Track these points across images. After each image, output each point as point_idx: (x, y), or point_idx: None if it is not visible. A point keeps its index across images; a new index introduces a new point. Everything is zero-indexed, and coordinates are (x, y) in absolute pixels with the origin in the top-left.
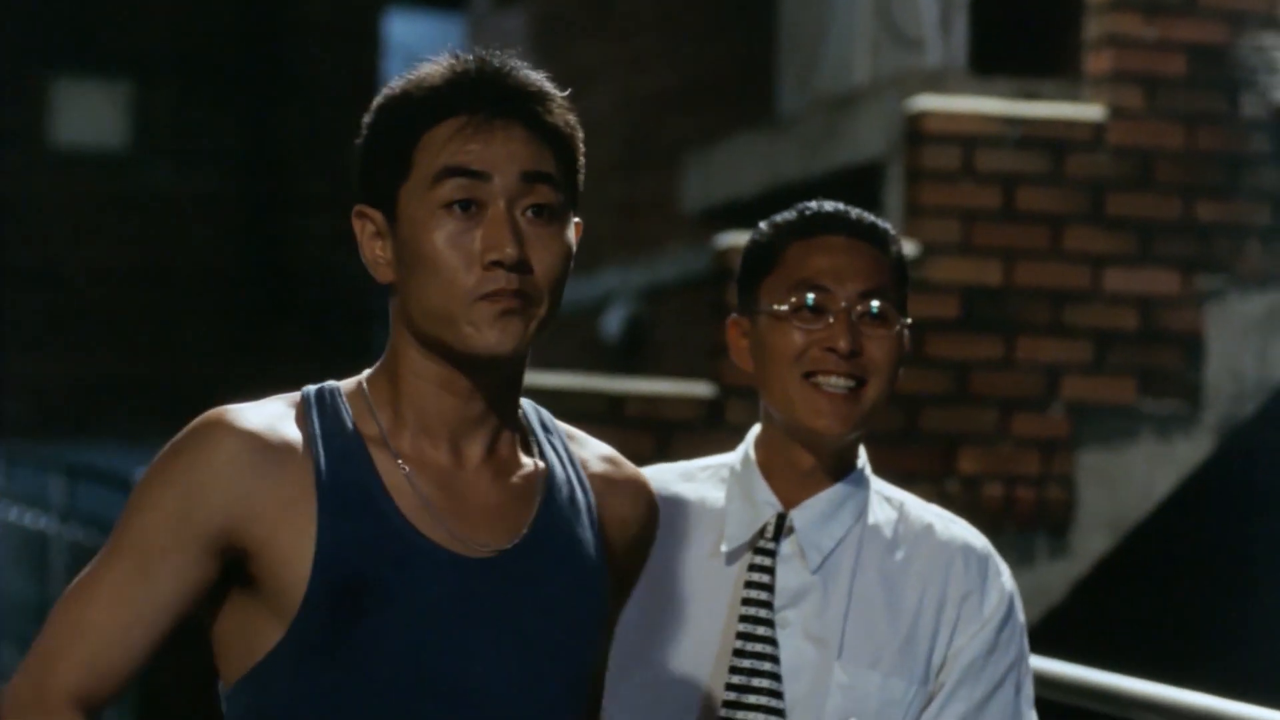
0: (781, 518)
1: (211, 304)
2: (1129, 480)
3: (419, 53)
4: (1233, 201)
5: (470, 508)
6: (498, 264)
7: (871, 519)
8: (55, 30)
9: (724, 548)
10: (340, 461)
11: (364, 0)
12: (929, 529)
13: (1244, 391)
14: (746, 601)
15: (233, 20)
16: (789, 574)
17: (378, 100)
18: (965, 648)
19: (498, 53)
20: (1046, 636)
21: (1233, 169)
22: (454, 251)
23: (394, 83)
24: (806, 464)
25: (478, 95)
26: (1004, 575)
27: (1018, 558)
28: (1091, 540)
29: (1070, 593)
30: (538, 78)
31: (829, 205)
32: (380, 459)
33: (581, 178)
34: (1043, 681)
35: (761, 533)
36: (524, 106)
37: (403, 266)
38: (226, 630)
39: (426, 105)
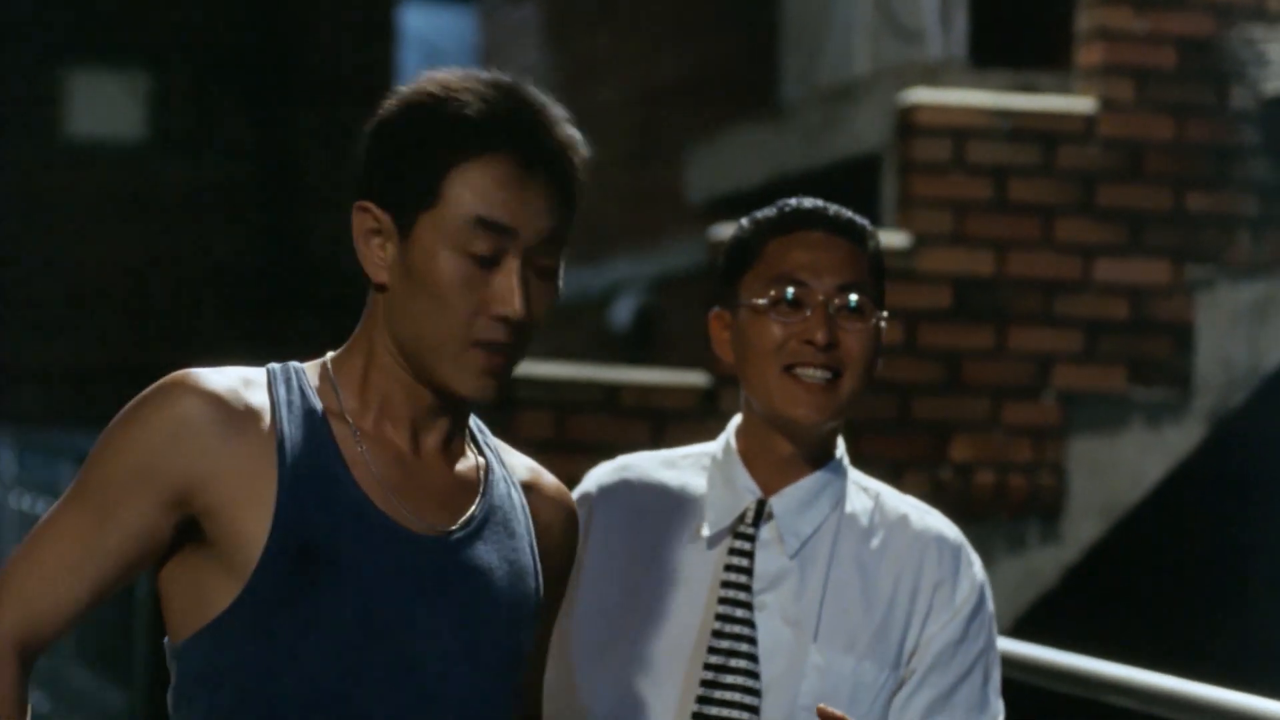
0: (761, 504)
1: (225, 295)
2: (1119, 468)
3: (433, 44)
4: (1222, 192)
5: (421, 489)
6: (503, 319)
7: (849, 507)
8: (71, 24)
9: (705, 532)
10: (301, 430)
11: None
12: (904, 519)
13: (1233, 380)
14: (726, 584)
15: (247, 13)
16: (768, 559)
17: (401, 102)
18: (937, 635)
19: (528, 85)
20: (1038, 622)
21: (1222, 160)
22: (464, 293)
23: (420, 85)
24: (785, 452)
25: (514, 137)
26: (975, 566)
27: (1009, 544)
28: (1082, 527)
29: (1061, 579)
30: (570, 128)
31: (808, 202)
32: (340, 433)
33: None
34: (1014, 664)
35: (742, 518)
36: (558, 163)
37: (404, 283)
38: (179, 587)
39: (459, 136)
